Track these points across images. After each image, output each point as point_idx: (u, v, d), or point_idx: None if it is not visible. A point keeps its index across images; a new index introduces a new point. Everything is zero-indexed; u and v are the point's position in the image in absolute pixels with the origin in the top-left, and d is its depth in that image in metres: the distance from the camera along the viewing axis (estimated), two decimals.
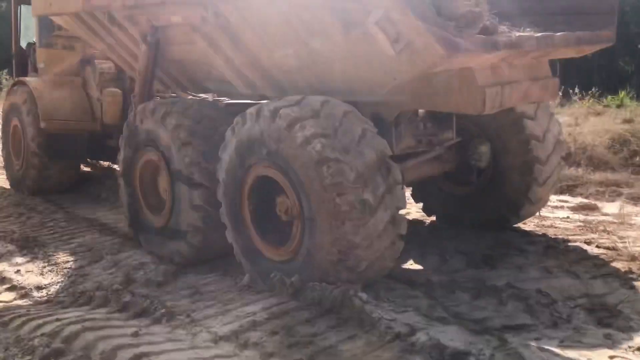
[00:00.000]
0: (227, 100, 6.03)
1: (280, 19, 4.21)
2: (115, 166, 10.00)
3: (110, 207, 7.63)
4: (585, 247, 5.27)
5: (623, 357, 3.20)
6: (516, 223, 5.81)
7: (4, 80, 29.52)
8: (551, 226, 6.15)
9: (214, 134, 5.22)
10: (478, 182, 5.64)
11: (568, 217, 6.52)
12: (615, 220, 6.34)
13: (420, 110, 5.10)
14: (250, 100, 5.97)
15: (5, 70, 29.98)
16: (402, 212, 4.14)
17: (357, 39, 3.89)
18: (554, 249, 5.22)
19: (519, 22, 4.56)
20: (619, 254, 4.98)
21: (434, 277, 4.64)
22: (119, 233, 6.32)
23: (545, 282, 4.35)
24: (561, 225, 6.18)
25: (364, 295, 3.82)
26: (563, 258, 4.91)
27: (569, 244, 5.38)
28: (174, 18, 5.00)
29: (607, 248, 5.17)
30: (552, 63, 4.82)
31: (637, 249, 5.15)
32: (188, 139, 5.12)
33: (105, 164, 9.95)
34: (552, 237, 5.65)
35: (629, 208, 6.90)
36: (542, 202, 5.74)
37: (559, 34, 4.29)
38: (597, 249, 5.20)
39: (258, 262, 4.58)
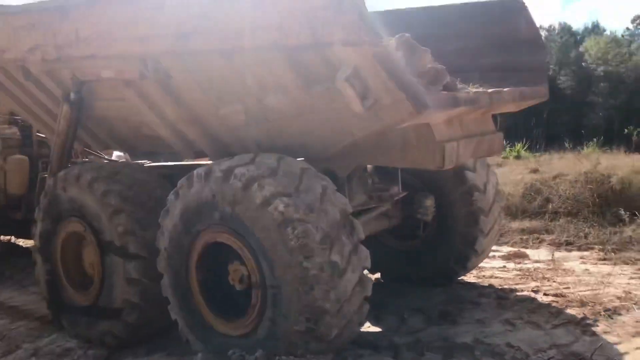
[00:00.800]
0: (159, 163, 5.62)
1: (231, 75, 3.97)
2: (19, 241, 9.16)
3: (17, 287, 6.79)
4: (534, 295, 5.31)
5: None
6: (462, 275, 5.78)
7: None
8: (492, 276, 6.20)
9: (148, 200, 4.81)
10: (424, 236, 5.59)
11: (505, 267, 6.62)
12: (549, 267, 6.51)
13: (368, 166, 5.01)
14: (184, 160, 5.69)
15: None
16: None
17: (318, 95, 3.72)
18: (506, 300, 5.21)
19: (459, 78, 4.65)
20: (568, 301, 5.05)
21: (397, 338, 4.43)
22: (34, 316, 5.58)
23: (511, 335, 4.28)
24: (501, 275, 6.24)
25: None
26: (518, 309, 4.89)
27: (518, 293, 5.41)
28: (105, 72, 4.60)
29: (555, 295, 5.24)
30: (494, 118, 4.93)
31: (582, 293, 5.25)
32: (120, 205, 4.66)
33: (5, 238, 9.02)
34: (499, 287, 5.66)
35: (557, 254, 7.14)
36: (486, 253, 5.77)
37: (506, 89, 4.39)
38: (545, 296, 5.25)
39: (210, 338, 4.15)
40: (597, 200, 8.82)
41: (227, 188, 3.87)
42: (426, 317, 4.83)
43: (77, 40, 4.48)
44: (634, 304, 4.86)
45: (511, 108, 4.98)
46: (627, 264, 6.56)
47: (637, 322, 4.45)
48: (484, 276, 6.16)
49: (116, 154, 8.34)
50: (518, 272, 6.33)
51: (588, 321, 4.51)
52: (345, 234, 3.82)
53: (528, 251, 7.50)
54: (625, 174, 9.10)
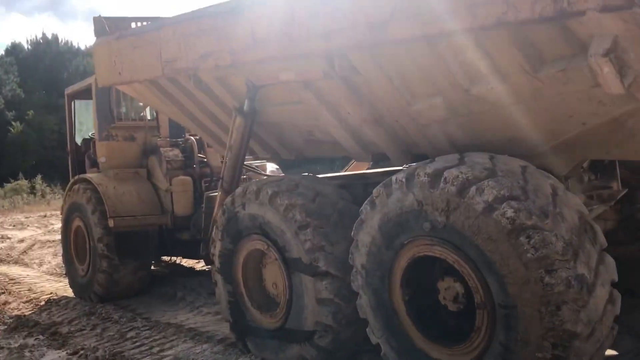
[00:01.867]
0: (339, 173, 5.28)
1: (432, 64, 3.48)
2: (185, 261, 9.36)
3: (191, 308, 6.77)
4: None
5: None
6: None
7: (37, 185, 29.72)
8: None
9: (333, 213, 4.44)
10: None
11: None
12: None
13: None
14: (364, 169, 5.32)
15: (40, 176, 30.28)
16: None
17: (547, 79, 3.11)
18: None
19: None
20: None
21: None
22: (216, 339, 5.42)
23: None
24: None
25: None
26: None
27: None
28: (283, 75, 4.32)
29: None
30: None
31: None
32: (306, 220, 4.33)
33: (169, 259, 9.24)
34: None
35: None
36: None
37: None
38: None
39: None
40: None
41: (438, 194, 3.36)
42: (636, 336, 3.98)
43: (254, 42, 4.23)
44: None
45: None
46: None
47: None
48: None
49: (270, 168, 8.24)
50: None
51: None
52: (588, 242, 3.16)
53: None
54: None
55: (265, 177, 6.85)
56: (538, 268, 3.01)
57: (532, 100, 3.31)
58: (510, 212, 3.09)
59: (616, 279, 3.26)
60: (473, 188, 3.23)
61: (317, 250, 4.24)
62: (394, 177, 3.68)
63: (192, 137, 8.04)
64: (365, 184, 4.96)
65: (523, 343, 3.11)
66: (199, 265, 9.16)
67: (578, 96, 3.12)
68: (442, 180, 3.36)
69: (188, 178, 7.52)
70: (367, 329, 3.99)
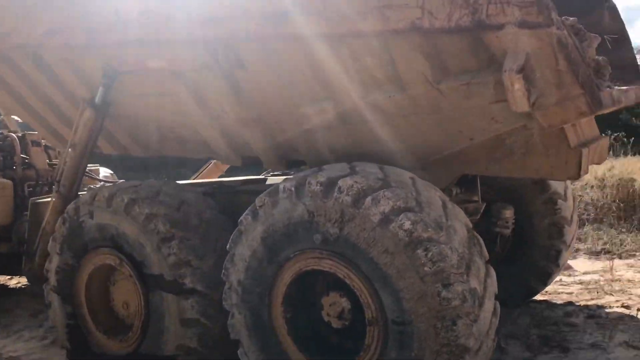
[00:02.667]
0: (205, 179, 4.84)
1: (332, 66, 3.28)
2: (5, 278, 8.02)
3: (7, 333, 5.76)
4: (627, 312, 4.79)
5: None
6: (539, 292, 5.22)
7: None
8: (556, 292, 5.67)
9: (200, 223, 4.03)
10: (501, 252, 4.99)
11: (561, 280, 6.10)
12: (606, 278, 6.06)
13: None
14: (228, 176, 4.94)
15: None
16: None
17: (448, 91, 3.06)
18: (600, 318, 4.68)
19: None
20: None
21: None
22: None
23: None
24: (566, 290, 5.73)
25: None
26: (626, 329, 4.37)
27: (607, 310, 4.89)
28: (153, 62, 3.79)
29: None
30: None
31: None
32: (170, 231, 3.85)
33: None
34: (579, 304, 5.13)
35: (604, 263, 6.72)
36: (564, 267, 5.24)
37: (630, 88, 3.84)
38: None
39: None
40: (620, 205, 8.53)
41: (331, 204, 3.15)
42: (526, 344, 4.22)
43: (117, 21, 3.67)
44: None
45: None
46: None
47: None
48: (547, 292, 5.61)
49: (104, 173, 7.47)
50: (580, 286, 5.84)
51: None
52: (477, 254, 3.18)
53: (570, 262, 7.02)
54: None
55: (101, 182, 6.13)
56: (435, 282, 2.93)
57: (429, 113, 3.26)
58: (407, 224, 2.98)
59: (497, 291, 3.31)
60: (369, 198, 3.08)
61: (183, 266, 3.80)
62: (281, 186, 3.39)
63: (12, 134, 6.94)
64: (233, 192, 4.63)
65: None
66: (13, 282, 7.95)
67: (475, 111, 3.13)
68: (336, 189, 3.16)
69: (7, 181, 6.43)
70: (239, 351, 3.63)
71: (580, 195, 8.87)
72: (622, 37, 4.52)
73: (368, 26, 2.93)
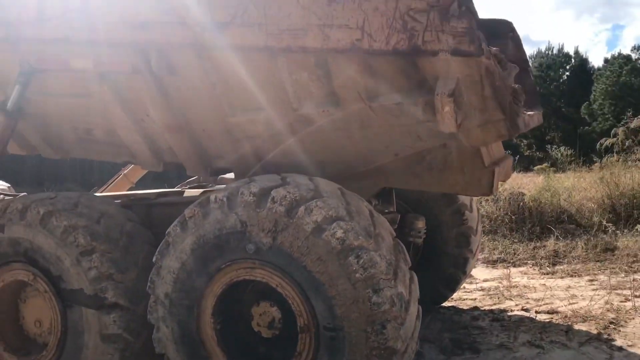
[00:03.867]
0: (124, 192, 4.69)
1: (267, 78, 3.34)
2: None
3: None
4: (527, 314, 5.20)
5: None
6: (448, 299, 5.53)
7: None
8: (460, 299, 6.03)
9: (121, 236, 3.93)
10: (413, 260, 5.23)
11: (465, 287, 6.50)
12: (504, 285, 6.52)
13: None
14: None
15: None
16: None
17: (379, 109, 3.21)
18: (504, 321, 5.04)
19: None
20: (565, 317, 5.01)
21: None
22: None
23: (549, 359, 4.06)
24: (470, 296, 6.10)
25: None
26: (527, 329, 4.72)
27: (509, 314, 5.27)
28: (77, 62, 3.65)
29: (548, 312, 5.18)
30: None
31: (572, 307, 5.26)
32: (91, 244, 3.73)
33: None
34: (484, 309, 5.49)
35: (500, 271, 7.23)
36: (469, 274, 5.59)
37: (533, 113, 4.20)
38: (539, 314, 5.17)
39: None
40: (512, 217, 9.20)
41: (265, 214, 3.21)
42: (439, 347, 4.47)
43: (40, 17, 3.53)
44: (626, 314, 4.94)
45: None
46: (572, 276, 6.80)
47: None
48: (453, 299, 5.95)
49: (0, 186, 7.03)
50: (482, 292, 6.25)
51: (604, 336, 4.47)
52: (402, 261, 3.36)
53: None
54: (535, 192, 9.62)
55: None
56: (366, 288, 3.06)
57: (359, 128, 3.41)
58: (340, 233, 3.10)
59: (419, 296, 3.51)
60: (302, 208, 3.16)
61: (104, 280, 3.68)
62: (212, 196, 3.40)
63: None
64: (148, 204, 4.54)
65: None
66: None
67: (402, 129, 3.31)
68: (269, 199, 3.22)
69: None
70: None
71: (479, 208, 9.46)
72: (524, 66, 4.95)
73: (307, 43, 3.03)
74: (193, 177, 6.01)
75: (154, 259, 3.54)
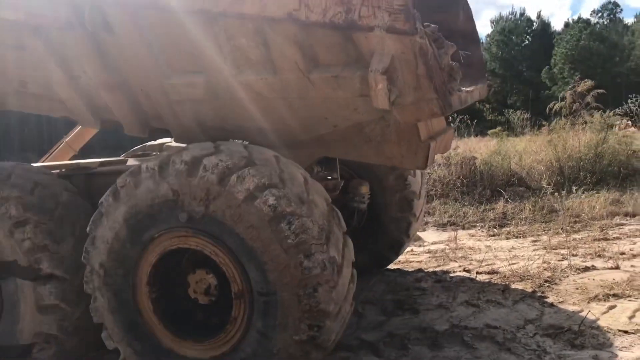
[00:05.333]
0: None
1: (204, 42, 3.28)
2: None
3: None
4: (468, 275, 5.35)
5: None
6: (393, 262, 5.65)
7: None
8: (407, 261, 6.17)
9: (56, 207, 3.88)
10: (357, 225, 5.32)
11: (412, 250, 6.64)
12: (452, 247, 6.69)
13: None
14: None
15: None
16: None
17: (317, 80, 3.20)
18: (446, 282, 5.18)
19: None
20: (504, 277, 5.17)
21: (366, 335, 4.11)
22: None
23: (482, 316, 4.22)
24: (416, 259, 6.25)
25: None
26: (467, 289, 4.87)
27: (452, 275, 5.41)
28: (8, 12, 3.53)
29: (488, 273, 5.34)
30: None
31: (511, 267, 5.43)
32: (24, 215, 3.67)
33: None
34: (428, 271, 5.63)
35: (449, 234, 7.40)
36: (414, 237, 5.70)
37: (474, 89, 4.23)
38: (479, 275, 5.33)
39: None
40: (464, 181, 9.37)
41: (197, 183, 3.20)
42: (381, 308, 4.58)
43: None
44: (561, 273, 5.13)
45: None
46: (518, 237, 7.01)
47: (577, 289, 4.69)
48: (400, 261, 6.09)
49: None
50: (429, 254, 6.39)
51: (538, 294, 4.65)
52: (335, 226, 3.41)
53: (419, 233, 7.65)
54: (485, 156, 9.79)
55: None
56: (297, 253, 3.10)
57: (297, 98, 3.39)
58: (271, 200, 3.12)
59: (354, 259, 3.57)
60: (234, 176, 3.16)
61: (38, 251, 3.65)
62: (143, 165, 3.37)
63: None
64: (89, 174, 4.48)
65: (281, 328, 3.17)
66: None
67: (340, 102, 3.31)
68: (201, 168, 3.21)
69: None
70: (102, 334, 3.58)
71: (428, 173, 9.61)
72: (473, 38, 4.97)
73: (245, 9, 2.99)
74: (138, 146, 5.93)
75: (87, 229, 3.51)
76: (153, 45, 3.45)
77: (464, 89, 3.91)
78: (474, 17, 4.72)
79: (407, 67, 2.91)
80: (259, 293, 3.19)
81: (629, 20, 69.63)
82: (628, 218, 7.48)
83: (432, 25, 3.23)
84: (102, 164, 4.86)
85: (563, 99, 9.84)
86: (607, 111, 9.53)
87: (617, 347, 3.54)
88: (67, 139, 6.03)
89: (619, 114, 9.64)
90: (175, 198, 3.26)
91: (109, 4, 3.35)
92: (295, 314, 3.15)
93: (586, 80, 9.98)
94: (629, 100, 9.46)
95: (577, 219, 7.47)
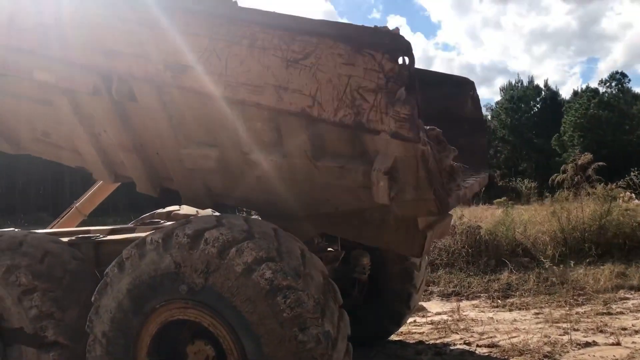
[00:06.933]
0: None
1: (221, 122, 3.51)
2: None
3: None
4: (468, 348, 5.36)
5: None
6: (394, 333, 5.67)
7: None
8: (410, 332, 6.18)
9: (64, 275, 4.02)
10: (358, 296, 5.39)
11: (415, 321, 6.65)
12: (454, 318, 6.69)
13: None
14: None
15: None
16: None
17: (324, 169, 3.39)
18: (446, 354, 5.18)
19: None
20: (504, 350, 5.17)
21: None
22: None
23: None
24: (417, 330, 6.25)
25: None
26: None
27: (452, 347, 5.42)
28: (40, 74, 3.82)
29: (488, 346, 5.34)
30: None
31: (511, 341, 5.43)
32: (32, 284, 3.82)
33: None
34: (428, 343, 5.64)
35: (453, 304, 7.40)
36: (415, 309, 5.75)
37: (473, 182, 4.40)
38: (479, 348, 5.33)
39: None
40: (469, 251, 9.42)
41: (198, 256, 3.34)
42: None
43: (9, 25, 3.73)
44: (561, 348, 5.13)
45: None
46: (521, 309, 7.00)
47: None
48: (402, 332, 6.10)
49: None
50: (431, 325, 6.40)
51: None
52: (331, 300, 3.51)
53: (423, 303, 7.66)
54: (489, 225, 9.87)
55: None
56: (292, 326, 3.19)
57: (303, 181, 3.55)
58: (268, 273, 3.24)
59: (350, 333, 3.65)
60: (233, 249, 3.31)
61: (44, 318, 3.77)
62: (148, 238, 3.53)
63: None
64: (98, 242, 4.64)
65: None
66: None
67: (343, 189, 3.48)
68: (202, 241, 3.36)
69: None
70: None
71: (434, 242, 9.66)
72: (479, 126, 5.20)
73: (262, 100, 3.22)
74: (147, 214, 6.12)
75: (92, 299, 3.64)
76: (173, 118, 3.71)
77: (464, 184, 4.09)
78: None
79: (409, 169, 3.09)
80: None
81: (638, 89, 70.57)
82: (632, 292, 7.46)
83: (437, 130, 3.43)
84: (111, 232, 5.04)
85: (565, 171, 10.00)
86: (609, 183, 9.65)
87: None
88: (77, 204, 6.23)
89: (622, 187, 9.77)
90: (176, 270, 3.39)
91: (137, 77, 3.61)
92: None
93: (586, 153, 10.17)
94: (632, 173, 9.60)
95: (581, 292, 7.46)
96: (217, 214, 4.00)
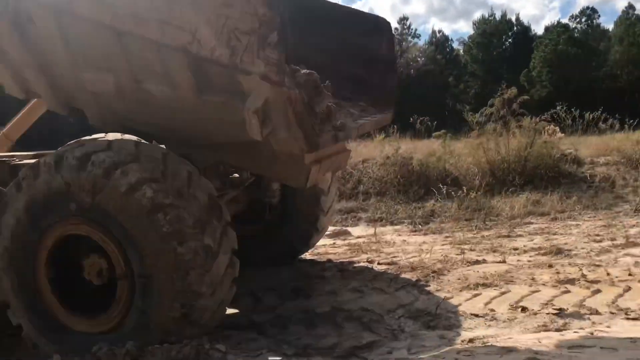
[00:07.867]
0: None
1: (114, 49, 3.66)
2: None
3: None
4: (370, 265, 5.82)
5: (466, 350, 3.64)
6: (304, 253, 6.10)
7: None
8: (327, 253, 6.63)
9: None
10: (269, 219, 5.77)
11: (334, 243, 7.11)
12: (372, 241, 7.16)
13: None
14: None
15: None
16: None
17: (209, 103, 3.61)
18: (347, 271, 5.63)
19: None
20: (399, 267, 5.64)
21: (257, 316, 4.55)
22: None
23: (362, 301, 4.67)
24: (334, 251, 6.71)
25: (222, 347, 3.55)
26: (361, 278, 5.33)
27: (355, 265, 5.88)
28: None
29: (388, 264, 5.81)
30: None
31: (409, 260, 5.91)
32: None
33: None
34: (337, 261, 6.09)
35: (373, 229, 7.87)
36: (325, 230, 6.16)
37: (367, 121, 4.65)
38: (379, 265, 5.80)
39: (66, 339, 3.86)
40: (400, 180, 9.86)
41: (85, 176, 3.62)
42: (279, 294, 5.02)
43: None
44: (452, 265, 5.62)
45: None
46: (435, 233, 7.50)
47: (458, 279, 5.16)
48: (319, 253, 6.56)
49: None
50: (348, 247, 6.86)
51: (421, 282, 5.12)
52: (215, 217, 3.84)
53: (349, 228, 8.14)
54: (422, 157, 10.29)
55: None
56: (172, 240, 3.54)
57: (191, 112, 3.76)
58: (150, 192, 3.56)
59: (236, 247, 4.00)
60: (118, 171, 3.59)
61: None
62: (42, 160, 3.79)
63: None
64: (13, 165, 4.88)
65: (157, 306, 3.61)
66: None
67: (227, 122, 3.69)
68: (89, 163, 3.63)
69: None
70: (8, 311, 3.99)
71: (368, 172, 10.12)
72: (392, 67, 5.39)
73: (146, 33, 3.40)
74: (74, 140, 6.29)
75: None
76: (70, 42, 3.86)
77: (355, 123, 4.38)
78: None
79: (279, 110, 3.33)
80: (139, 275, 3.63)
81: (610, 25, 70.75)
82: (539, 217, 8.01)
83: (315, 75, 3.64)
84: (34, 157, 5.25)
85: (492, 105, 10.37)
86: (534, 117, 10.07)
87: (463, 328, 4.02)
88: (3, 130, 6.36)
89: (547, 121, 10.20)
90: (67, 189, 3.67)
91: (32, 3, 3.80)
92: (169, 294, 3.58)
93: (513, 87, 10.52)
94: (557, 107, 9.99)
95: (495, 218, 7.99)
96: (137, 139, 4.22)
